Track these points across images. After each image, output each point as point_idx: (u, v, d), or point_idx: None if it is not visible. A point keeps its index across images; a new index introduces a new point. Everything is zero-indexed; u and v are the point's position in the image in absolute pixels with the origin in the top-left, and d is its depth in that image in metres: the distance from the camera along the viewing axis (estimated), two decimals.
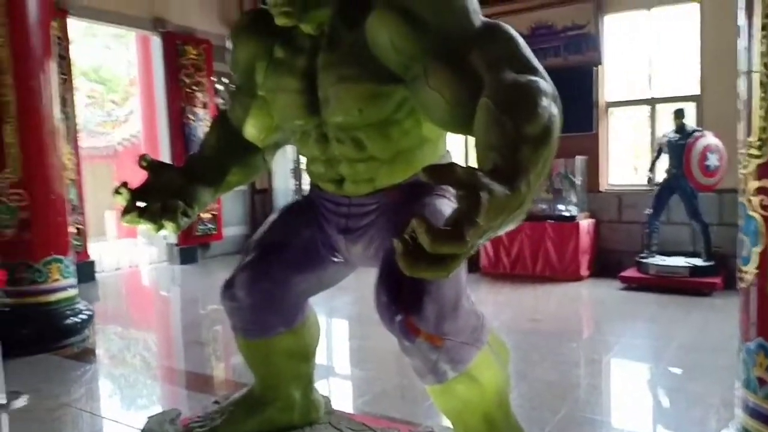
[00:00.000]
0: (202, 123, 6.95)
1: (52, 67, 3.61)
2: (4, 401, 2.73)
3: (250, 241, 1.69)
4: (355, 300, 4.72)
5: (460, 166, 0.84)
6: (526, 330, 4.00)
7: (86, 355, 3.62)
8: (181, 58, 6.75)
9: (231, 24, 7.33)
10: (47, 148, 3.55)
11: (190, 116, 6.85)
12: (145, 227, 1.48)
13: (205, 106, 7.01)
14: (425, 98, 1.23)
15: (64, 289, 3.63)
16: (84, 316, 3.72)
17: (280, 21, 1.36)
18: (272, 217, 1.72)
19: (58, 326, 3.57)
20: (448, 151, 1.57)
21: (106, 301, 5.55)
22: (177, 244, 6.99)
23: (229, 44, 1.60)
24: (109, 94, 12.14)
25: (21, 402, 2.78)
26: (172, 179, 1.54)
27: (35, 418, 2.70)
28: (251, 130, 1.64)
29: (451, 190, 1.49)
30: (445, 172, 0.82)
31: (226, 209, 7.41)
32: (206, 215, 7.09)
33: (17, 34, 3.39)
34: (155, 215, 1.45)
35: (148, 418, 1.97)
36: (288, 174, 7.95)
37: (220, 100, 7.31)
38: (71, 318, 3.64)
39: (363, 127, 1.39)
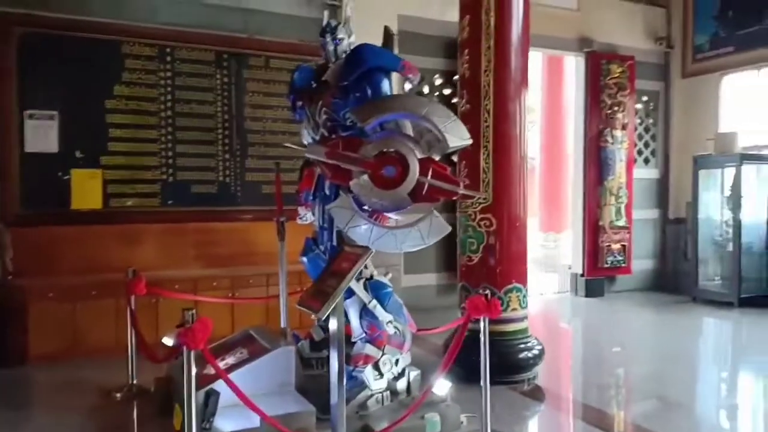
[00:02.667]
0: (619, 146, 6.40)
1: (526, 95, 3.54)
2: None
3: None
4: None
5: None
6: None
7: (536, 392, 3.41)
8: (605, 78, 6.32)
9: (658, 38, 6.65)
10: (515, 174, 3.47)
11: (608, 138, 6.36)
12: None
13: (623, 127, 6.44)
14: None
15: (520, 320, 3.50)
16: (536, 352, 3.51)
17: None
18: None
19: (512, 358, 3.44)
20: None
21: None
22: (582, 275, 6.57)
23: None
24: None
25: None
26: None
27: None
28: None
29: None
30: None
31: (637, 240, 6.66)
32: (616, 245, 6.51)
33: (500, 60, 3.40)
34: None
35: None
36: (719, 201, 6.36)
37: (637, 121, 6.63)
38: (525, 352, 3.47)
39: None
